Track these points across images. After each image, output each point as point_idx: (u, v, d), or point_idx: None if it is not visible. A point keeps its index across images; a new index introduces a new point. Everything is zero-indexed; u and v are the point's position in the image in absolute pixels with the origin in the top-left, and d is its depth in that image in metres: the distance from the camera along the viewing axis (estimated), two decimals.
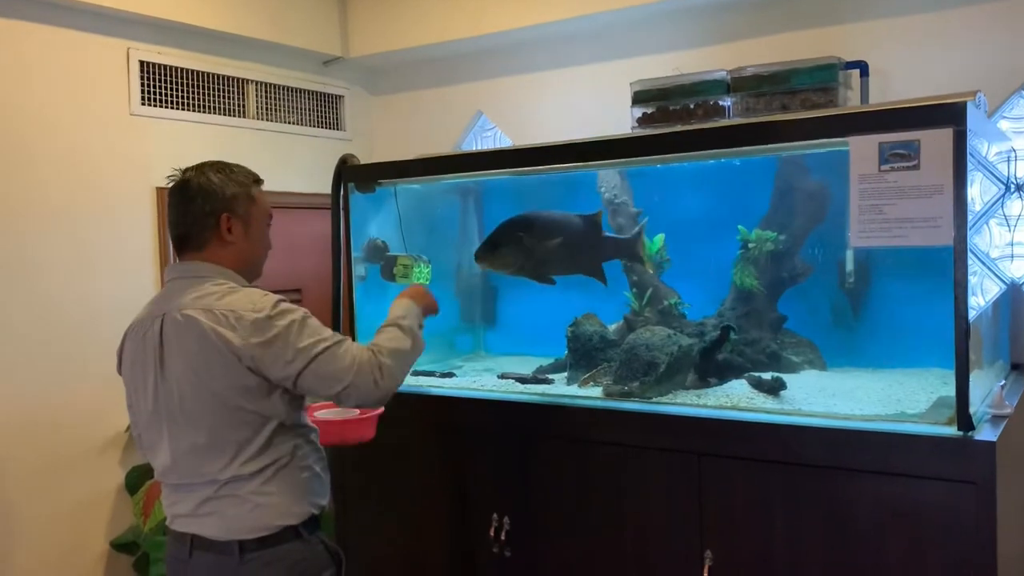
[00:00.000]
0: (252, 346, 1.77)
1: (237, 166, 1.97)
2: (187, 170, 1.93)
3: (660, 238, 2.89)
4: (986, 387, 2.28)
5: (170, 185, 1.94)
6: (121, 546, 3.22)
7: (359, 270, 2.89)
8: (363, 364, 1.84)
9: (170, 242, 3.26)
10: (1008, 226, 2.84)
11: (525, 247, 2.67)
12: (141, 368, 1.89)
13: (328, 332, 1.85)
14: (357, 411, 2.35)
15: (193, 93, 3.52)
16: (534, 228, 2.70)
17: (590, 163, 2.67)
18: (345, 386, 1.82)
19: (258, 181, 1.99)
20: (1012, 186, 2.81)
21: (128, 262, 3.30)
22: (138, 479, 3.16)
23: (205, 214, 1.89)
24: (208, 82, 3.58)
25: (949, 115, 1.92)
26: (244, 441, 1.82)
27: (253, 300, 1.82)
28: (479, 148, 4.02)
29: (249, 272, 1.97)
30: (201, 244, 1.91)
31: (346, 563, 2.01)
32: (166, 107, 3.43)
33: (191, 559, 1.86)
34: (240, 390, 1.80)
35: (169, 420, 1.85)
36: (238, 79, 3.69)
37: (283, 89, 3.88)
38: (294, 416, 1.89)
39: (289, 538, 1.86)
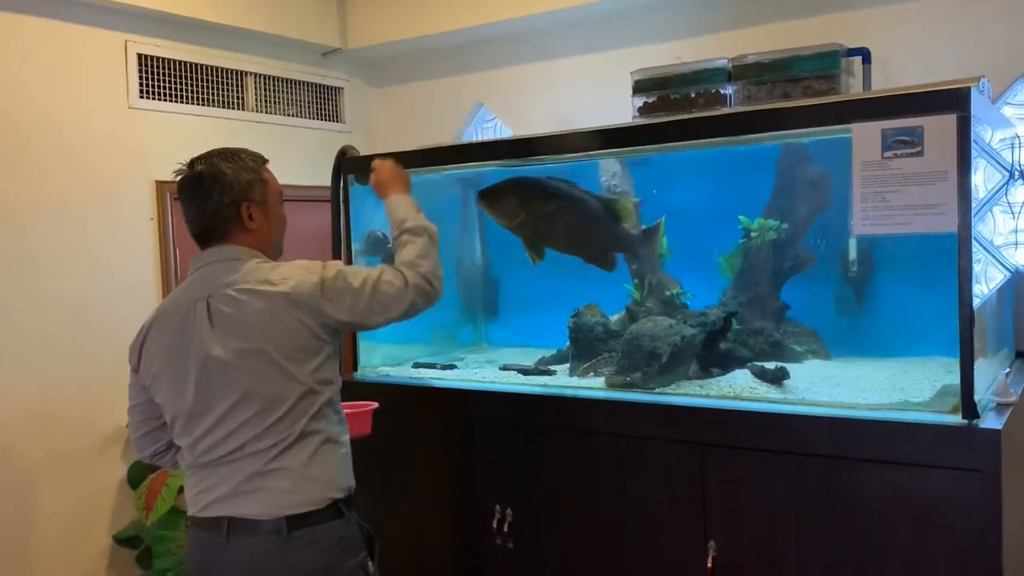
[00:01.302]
0: (320, 299, 1.86)
1: (242, 150, 1.98)
2: (195, 163, 1.92)
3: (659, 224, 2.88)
4: (990, 375, 2.27)
5: (178, 179, 1.94)
6: (124, 540, 3.22)
7: (359, 262, 2.88)
8: (412, 280, 1.95)
9: (171, 237, 3.25)
10: (1012, 213, 2.82)
11: (531, 207, 2.69)
12: (180, 353, 1.87)
13: (365, 270, 1.95)
14: (350, 409, 2.34)
15: (192, 86, 3.51)
16: (545, 191, 2.70)
17: (591, 152, 2.65)
18: (410, 302, 1.95)
19: (265, 160, 2.01)
20: (1016, 173, 2.79)
21: (128, 256, 3.29)
22: (140, 474, 3.16)
23: (225, 206, 1.90)
24: (206, 75, 3.56)
25: (952, 101, 1.91)
26: (299, 410, 1.84)
27: (302, 265, 1.91)
28: (479, 139, 4.00)
29: (273, 252, 2.00)
30: (225, 236, 1.92)
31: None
32: (165, 100, 3.42)
33: (228, 544, 1.83)
34: (305, 352, 1.85)
35: (222, 396, 1.84)
36: (237, 71, 3.68)
37: (282, 81, 3.86)
38: (336, 387, 1.96)
39: (332, 516, 1.87)
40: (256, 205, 1.93)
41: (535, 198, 2.70)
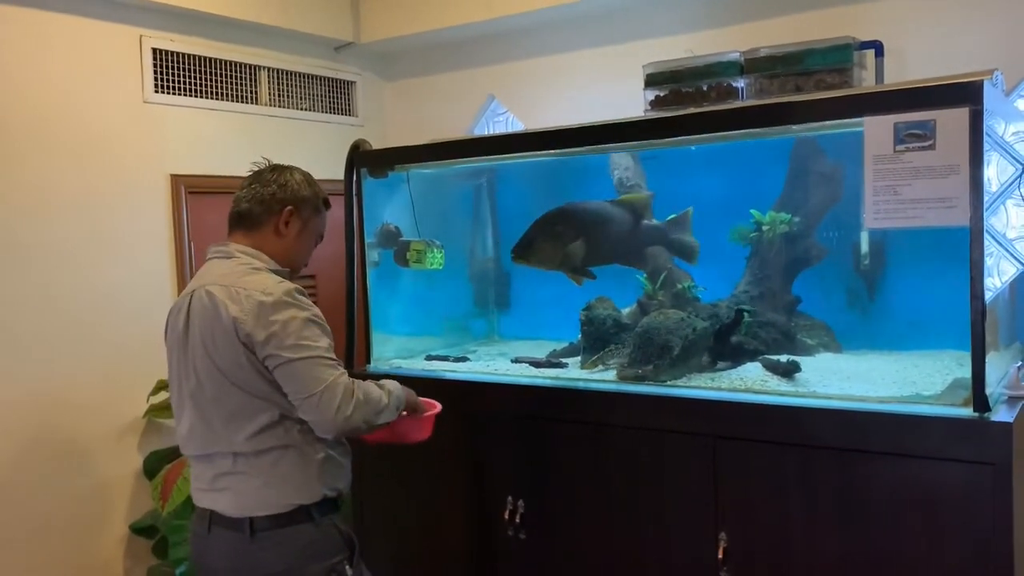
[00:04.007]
0: (248, 321, 1.81)
1: (319, 184, 2.08)
2: (276, 164, 2.05)
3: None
4: (1002, 369, 2.27)
5: (253, 170, 2.04)
6: (140, 530, 3.26)
7: (372, 255, 2.90)
8: (338, 387, 1.82)
9: (186, 230, 3.28)
10: None
11: (563, 243, 2.70)
12: (175, 342, 1.95)
13: (325, 343, 1.86)
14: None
15: (206, 80, 3.53)
16: (572, 222, 2.72)
17: (602, 146, 2.66)
18: (309, 396, 1.81)
19: (328, 204, 2.09)
20: None
21: (144, 249, 3.32)
22: (156, 464, 3.19)
23: (275, 199, 1.97)
24: (221, 69, 3.58)
25: (965, 94, 1.90)
26: (248, 419, 1.86)
27: (267, 284, 1.87)
28: (491, 132, 4.01)
29: (283, 267, 2.01)
30: (255, 225, 1.98)
31: (361, 547, 2.03)
32: (179, 94, 3.44)
33: (210, 534, 1.92)
34: (239, 368, 1.84)
35: (188, 392, 1.91)
36: (250, 66, 3.69)
37: (295, 75, 3.88)
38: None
39: (300, 519, 1.89)
40: (297, 217, 2.00)
41: (563, 235, 2.71)
